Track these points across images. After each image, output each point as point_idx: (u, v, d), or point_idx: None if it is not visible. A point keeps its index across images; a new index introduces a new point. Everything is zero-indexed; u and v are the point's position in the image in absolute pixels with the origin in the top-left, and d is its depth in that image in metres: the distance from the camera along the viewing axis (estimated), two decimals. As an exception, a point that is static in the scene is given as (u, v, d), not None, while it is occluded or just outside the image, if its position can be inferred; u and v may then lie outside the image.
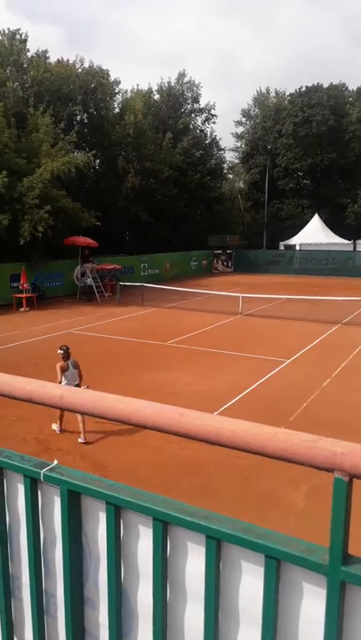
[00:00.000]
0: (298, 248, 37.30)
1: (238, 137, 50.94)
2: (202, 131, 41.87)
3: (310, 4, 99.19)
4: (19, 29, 29.49)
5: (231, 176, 51.31)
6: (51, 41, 77.91)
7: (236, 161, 52.01)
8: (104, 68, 32.21)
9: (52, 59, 31.17)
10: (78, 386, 7.93)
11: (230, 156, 52.44)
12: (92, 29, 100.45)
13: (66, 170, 22.03)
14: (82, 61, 31.75)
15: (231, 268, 37.67)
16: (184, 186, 36.02)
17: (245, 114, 50.72)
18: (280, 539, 1.20)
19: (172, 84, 39.82)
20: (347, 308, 18.46)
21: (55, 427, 8.06)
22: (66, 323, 17.28)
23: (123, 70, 78.81)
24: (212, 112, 41.70)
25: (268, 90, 50.58)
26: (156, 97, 39.23)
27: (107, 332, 15.78)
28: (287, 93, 46.85)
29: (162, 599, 1.36)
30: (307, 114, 41.64)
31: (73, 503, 1.47)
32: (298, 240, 37.84)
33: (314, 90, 42.91)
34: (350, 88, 44.45)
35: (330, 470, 1.11)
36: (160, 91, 39.58)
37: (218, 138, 43.00)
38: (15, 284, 21.06)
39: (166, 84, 39.64)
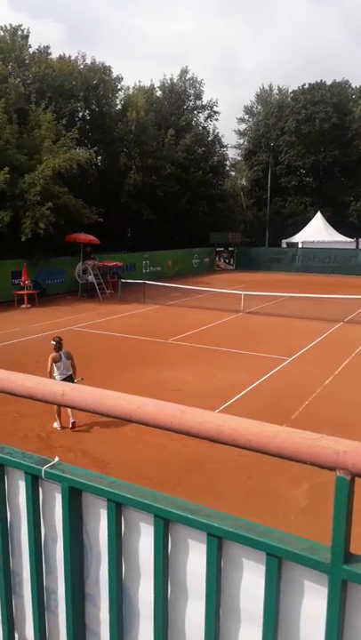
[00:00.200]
0: (300, 246, 37.23)
1: (241, 134, 50.86)
2: (204, 128, 41.83)
3: (311, 3, 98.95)
4: (20, 25, 29.48)
5: (233, 173, 51.20)
6: (52, 37, 77.92)
7: (239, 158, 51.91)
8: (106, 64, 32.21)
9: (54, 55, 31.18)
10: (71, 377, 8.15)
11: (233, 154, 52.42)
12: (93, 27, 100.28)
13: (67, 166, 22.01)
14: (84, 57, 31.73)
15: (233, 266, 37.63)
16: (186, 183, 35.97)
17: (248, 111, 50.61)
18: (282, 537, 1.20)
19: (175, 81, 39.75)
20: (349, 307, 18.43)
21: (56, 425, 8.08)
22: (67, 320, 17.29)
23: (124, 68, 78.62)
24: (215, 109, 41.69)
25: (270, 87, 50.42)
26: (159, 93, 39.17)
27: (108, 330, 15.79)
28: (290, 90, 46.79)
29: (163, 596, 1.36)
30: (310, 111, 41.53)
31: (74, 500, 1.46)
32: (300, 238, 37.77)
33: (317, 87, 42.79)
34: (354, 85, 44.39)
35: (332, 469, 1.10)
36: (162, 87, 39.52)
37: (220, 135, 43.00)
38: (16, 281, 21.05)
39: (169, 81, 39.60)
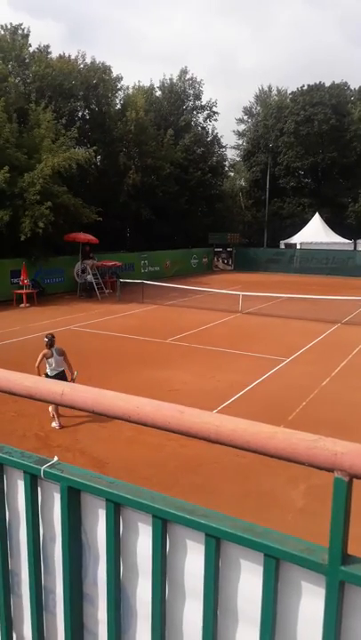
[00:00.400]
0: (298, 247, 37.28)
1: (240, 135, 50.89)
2: (203, 128, 41.84)
3: (309, 4, 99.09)
4: (21, 24, 29.46)
5: (232, 174, 51.22)
6: (52, 37, 77.84)
7: (238, 159, 51.96)
8: (106, 64, 32.20)
9: (54, 54, 31.15)
10: (64, 373, 8.31)
11: (232, 154, 52.45)
12: (93, 26, 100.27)
13: (67, 165, 22.00)
14: (83, 57, 31.70)
15: (232, 266, 37.65)
16: (185, 183, 35.98)
17: (247, 112, 50.66)
18: (280, 538, 1.20)
19: (174, 81, 39.76)
20: (347, 308, 18.46)
21: (55, 424, 8.08)
22: (66, 319, 17.28)
23: (122, 67, 78.82)
24: (214, 109, 41.71)
25: (270, 88, 50.52)
26: (158, 94, 39.18)
27: (106, 329, 15.78)
28: (289, 92, 46.82)
29: (161, 596, 1.36)
30: (309, 112, 41.57)
31: (73, 500, 1.47)
32: (298, 239, 37.81)
33: (316, 88, 42.83)
34: (352, 87, 44.44)
35: (330, 470, 1.11)
36: (162, 87, 39.53)
37: (219, 135, 43.03)
38: (15, 280, 21.04)
39: (168, 81, 39.60)
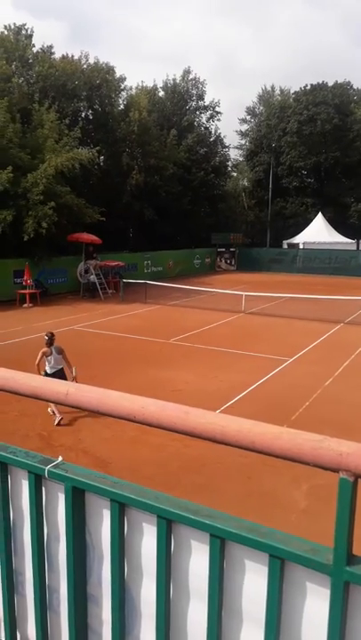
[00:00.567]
0: (301, 247, 37.24)
1: (243, 135, 50.85)
2: (206, 128, 41.85)
3: (310, 4, 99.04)
4: (24, 24, 29.50)
5: (235, 174, 51.19)
6: (55, 37, 77.94)
7: (241, 159, 51.89)
8: (110, 64, 32.21)
9: (57, 55, 31.19)
10: (63, 370, 8.47)
11: (235, 154, 52.44)
12: (95, 27, 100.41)
13: (70, 165, 22.01)
14: (87, 57, 31.73)
15: (234, 266, 37.63)
16: (188, 183, 35.99)
17: (250, 111, 50.61)
18: (284, 538, 1.20)
19: (177, 82, 39.77)
20: (349, 308, 18.43)
21: (57, 417, 8.18)
22: (69, 319, 17.30)
23: (125, 67, 78.85)
24: (217, 109, 41.70)
25: (273, 88, 50.43)
26: (161, 94, 39.19)
27: (109, 329, 15.79)
28: (292, 91, 46.77)
29: (165, 597, 1.36)
30: (311, 112, 41.52)
31: (77, 500, 1.47)
32: (301, 239, 37.77)
33: (319, 88, 42.78)
34: (355, 87, 44.37)
35: (335, 470, 1.11)
36: (165, 88, 39.54)
37: (222, 135, 43.02)
38: (19, 280, 21.09)
39: (171, 81, 39.62)
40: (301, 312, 17.90)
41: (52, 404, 8.20)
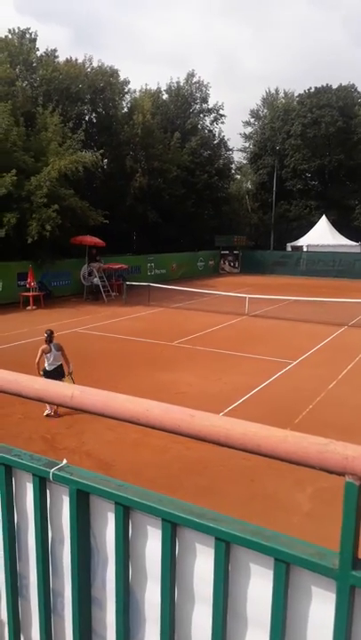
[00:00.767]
0: (305, 249, 37.21)
1: (246, 137, 50.89)
2: (210, 131, 41.87)
3: (313, 5, 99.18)
4: (28, 28, 29.67)
5: (239, 176, 51.19)
6: (58, 41, 78.26)
7: (244, 161, 51.95)
8: (114, 67, 32.31)
9: (61, 58, 31.31)
10: (61, 366, 8.60)
11: (238, 157, 52.41)
12: (97, 29, 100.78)
13: (73, 168, 22.07)
14: (90, 61, 31.83)
15: (238, 269, 37.61)
16: (192, 186, 36.01)
17: (254, 114, 50.65)
18: (289, 542, 1.20)
19: (181, 84, 39.84)
20: (353, 311, 18.38)
21: (48, 411, 8.29)
22: (72, 322, 17.32)
23: (125, 68, 78.97)
24: (221, 112, 41.74)
25: (277, 90, 50.47)
26: (165, 97, 39.25)
27: (113, 332, 15.80)
28: (296, 94, 46.82)
29: (170, 600, 1.35)
30: (315, 115, 41.54)
31: (82, 503, 1.47)
32: (305, 241, 37.75)
33: (323, 91, 42.82)
34: (359, 89, 44.33)
35: (341, 474, 1.10)
36: (169, 90, 39.61)
37: (226, 138, 43.06)
38: (22, 283, 21.11)
39: (175, 84, 39.68)
40: (305, 315, 17.87)
41: (47, 405, 8.27)
